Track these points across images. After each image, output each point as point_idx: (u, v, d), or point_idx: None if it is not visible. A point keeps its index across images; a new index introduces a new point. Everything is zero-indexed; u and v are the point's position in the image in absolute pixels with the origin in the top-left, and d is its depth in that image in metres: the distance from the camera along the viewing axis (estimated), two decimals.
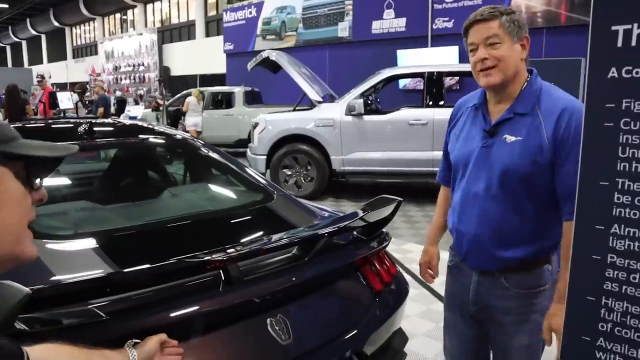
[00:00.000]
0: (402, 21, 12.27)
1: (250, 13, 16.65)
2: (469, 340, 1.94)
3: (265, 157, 7.68)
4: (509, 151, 1.65)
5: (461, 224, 1.79)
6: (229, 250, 1.57)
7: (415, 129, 6.89)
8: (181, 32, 27.26)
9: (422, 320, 3.53)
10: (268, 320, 1.63)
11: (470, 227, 1.75)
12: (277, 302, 1.68)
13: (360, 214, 1.98)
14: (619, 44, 0.99)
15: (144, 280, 1.41)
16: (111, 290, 1.38)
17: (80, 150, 3.07)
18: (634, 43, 0.98)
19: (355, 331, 1.87)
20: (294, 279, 1.73)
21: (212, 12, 24.86)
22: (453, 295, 1.95)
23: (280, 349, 1.62)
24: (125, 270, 1.41)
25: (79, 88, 12.32)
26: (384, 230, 2.19)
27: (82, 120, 2.77)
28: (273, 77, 8.98)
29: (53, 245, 1.70)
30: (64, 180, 2.71)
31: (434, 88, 7.09)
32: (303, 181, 7.54)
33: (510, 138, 1.66)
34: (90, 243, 1.74)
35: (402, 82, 11.64)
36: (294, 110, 8.16)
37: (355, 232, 2.10)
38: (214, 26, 24.35)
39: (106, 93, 11.69)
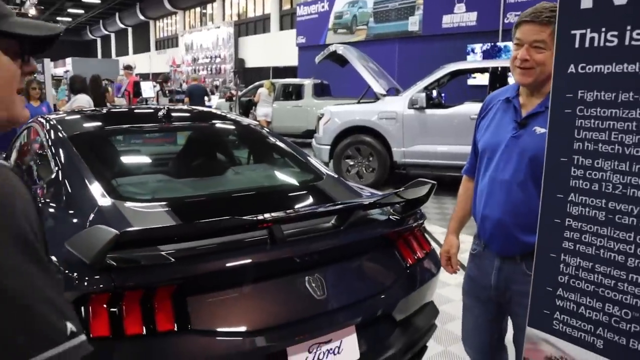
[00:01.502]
0: (473, 15, 12.18)
1: (323, 7, 16.98)
2: (484, 323, 2.10)
3: (329, 147, 7.99)
4: (537, 142, 1.73)
5: (486, 208, 1.92)
6: (274, 214, 1.87)
7: None
8: (256, 25, 28.07)
9: None
10: (306, 278, 1.92)
11: (495, 212, 1.88)
12: (315, 262, 1.97)
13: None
14: (577, 45, 1.19)
15: (204, 232, 1.74)
16: (178, 239, 1.72)
17: (159, 131, 3.48)
18: (587, 45, 1.18)
19: (384, 296, 2.12)
20: (330, 244, 2.01)
21: (286, 6, 25.46)
22: (472, 280, 2.09)
23: (315, 302, 1.90)
24: (189, 223, 1.75)
25: (161, 78, 13.16)
26: (418, 210, 2.43)
27: (161, 107, 3.18)
28: (342, 70, 9.25)
29: (135, 206, 2.07)
30: (147, 158, 3.15)
31: (497, 83, 7.12)
32: (365, 171, 7.78)
33: (539, 130, 1.77)
34: (163, 206, 2.10)
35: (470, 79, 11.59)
36: (359, 102, 8.40)
37: (392, 210, 2.35)
38: (287, 20, 24.93)
39: (199, 83, 12.48)
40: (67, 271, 1.66)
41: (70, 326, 0.71)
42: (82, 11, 39.47)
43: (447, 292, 4.00)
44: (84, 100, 7.15)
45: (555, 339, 1.30)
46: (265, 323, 1.81)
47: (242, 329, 1.75)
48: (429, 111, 7.29)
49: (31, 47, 0.94)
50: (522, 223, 1.81)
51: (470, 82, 11.51)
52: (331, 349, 1.95)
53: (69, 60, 26.04)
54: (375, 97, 7.98)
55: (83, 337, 0.73)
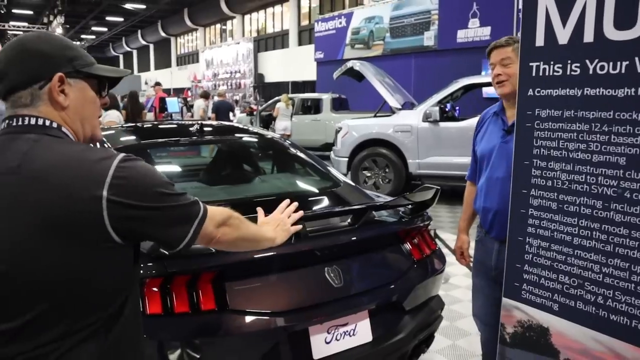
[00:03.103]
0: (487, 30, 12.46)
1: (340, 23, 17.40)
2: (492, 301, 2.35)
3: (347, 159, 8.33)
4: None
5: (486, 202, 2.30)
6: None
7: None
8: (275, 41, 28.67)
9: None
10: (325, 268, 2.23)
11: (493, 204, 2.25)
12: (333, 255, 2.28)
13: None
14: (533, 74, 1.52)
15: None
16: None
17: (192, 144, 3.87)
18: (541, 74, 1.51)
19: (393, 286, 2.42)
20: (345, 240, 2.33)
21: (304, 22, 26.02)
22: (479, 262, 2.44)
23: (333, 289, 2.21)
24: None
25: (202, 94, 13.66)
26: (426, 212, 2.73)
27: (194, 122, 3.54)
28: (360, 85, 9.60)
29: None
30: (183, 168, 3.52)
31: None
32: (381, 182, 8.09)
33: None
34: None
35: (485, 91, 11.84)
36: (375, 116, 8.73)
37: (401, 212, 2.66)
38: (306, 35, 25.45)
39: (224, 99, 12.94)
40: None
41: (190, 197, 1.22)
42: (105, 29, 40.66)
43: (457, 293, 4.28)
44: (114, 116, 7.57)
45: (524, 305, 1.62)
46: (290, 306, 2.12)
47: (271, 310, 2.07)
48: (442, 124, 7.57)
49: (107, 85, 1.29)
50: None
51: (487, 91, 11.75)
52: (347, 331, 2.25)
53: None
54: (391, 111, 8.30)
55: (197, 200, 1.24)
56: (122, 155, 1.13)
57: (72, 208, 1.04)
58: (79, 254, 1.06)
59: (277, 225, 1.65)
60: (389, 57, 15.27)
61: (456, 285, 4.43)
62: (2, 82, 1.15)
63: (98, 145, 1.60)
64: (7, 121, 1.15)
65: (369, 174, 8.19)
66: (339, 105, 13.70)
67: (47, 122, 1.14)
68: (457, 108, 8.87)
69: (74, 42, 1.27)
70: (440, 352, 3.36)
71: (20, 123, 1.13)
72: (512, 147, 2.11)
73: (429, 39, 14.15)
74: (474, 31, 12.75)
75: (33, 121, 1.13)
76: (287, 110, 13.04)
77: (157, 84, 12.14)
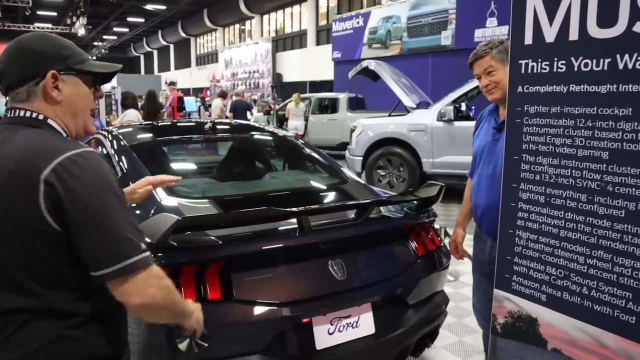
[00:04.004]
0: (504, 29, 12.38)
1: (358, 23, 17.44)
2: (488, 295, 2.43)
3: (361, 158, 8.37)
4: None
5: (477, 198, 2.37)
6: (301, 208, 2.27)
7: None
8: (294, 40, 28.77)
9: None
10: (329, 261, 2.30)
11: (482, 200, 2.32)
12: (336, 249, 2.35)
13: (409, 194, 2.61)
14: (522, 71, 1.57)
15: (246, 220, 2.15)
16: (225, 225, 2.13)
17: (205, 141, 3.99)
18: (529, 71, 1.56)
19: (396, 280, 2.48)
20: (349, 234, 2.39)
21: (322, 22, 26.07)
22: (476, 258, 2.49)
23: (336, 282, 2.28)
24: (231, 212, 2.17)
25: (220, 94, 13.84)
26: (430, 209, 2.78)
27: (207, 121, 3.64)
28: (377, 84, 9.61)
29: (188, 202, 2.50)
30: (197, 165, 3.62)
31: None
32: (395, 181, 8.12)
33: None
34: (211, 202, 2.53)
35: None
36: (390, 115, 8.76)
37: (405, 208, 2.72)
38: (324, 35, 25.51)
39: (241, 98, 13.09)
40: None
41: (142, 244, 1.20)
42: (126, 30, 41.20)
43: (466, 291, 4.30)
44: (133, 115, 7.73)
45: (514, 297, 1.67)
46: (294, 296, 2.20)
47: (276, 300, 2.14)
48: (457, 123, 7.57)
49: (100, 79, 1.39)
50: None
51: None
52: (350, 323, 2.31)
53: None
54: (406, 110, 8.33)
55: (148, 253, 1.21)
56: (76, 152, 1.18)
57: (14, 192, 1.14)
58: (20, 236, 1.15)
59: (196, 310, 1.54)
60: (406, 56, 15.26)
61: (465, 283, 4.46)
62: (2, 80, 1.28)
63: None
64: (5, 113, 1.29)
65: (383, 173, 8.23)
66: (356, 105, 13.74)
67: (34, 115, 1.25)
68: (472, 108, 8.86)
69: (68, 41, 1.35)
70: (447, 348, 3.40)
71: (14, 115, 1.26)
72: (501, 145, 2.17)
73: (446, 38, 14.11)
74: (492, 30, 12.68)
75: (22, 113, 1.25)
76: (298, 110, 13.10)
77: (171, 83, 12.29)
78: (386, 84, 8.55)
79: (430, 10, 14.60)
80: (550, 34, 1.49)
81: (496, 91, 2.21)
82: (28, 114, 1.25)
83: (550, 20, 1.48)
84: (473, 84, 7.85)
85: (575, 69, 1.44)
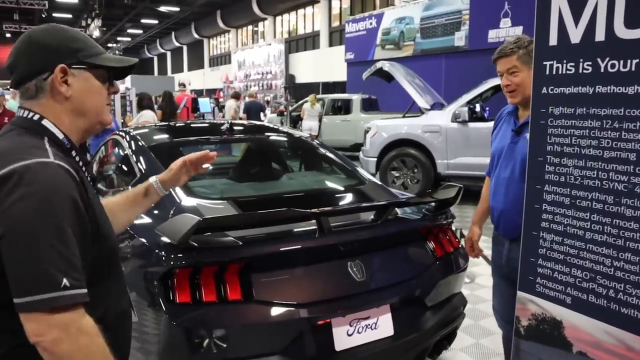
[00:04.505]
0: (518, 30, 12.30)
1: (371, 24, 17.41)
2: (509, 298, 2.40)
3: (375, 159, 8.36)
4: (527, 146, 2.07)
5: (494, 200, 2.35)
6: (321, 209, 2.27)
7: None
8: (306, 42, 28.81)
9: None
10: (348, 263, 2.30)
11: (499, 203, 2.30)
12: (355, 250, 2.34)
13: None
14: (547, 72, 1.56)
15: (266, 221, 2.16)
16: (245, 226, 2.14)
17: (222, 142, 4.00)
18: (554, 72, 1.55)
19: (414, 282, 2.47)
20: (368, 235, 2.39)
21: (335, 23, 26.08)
22: (494, 261, 2.47)
23: (355, 284, 2.28)
24: (251, 212, 2.18)
25: (233, 95, 13.92)
26: (448, 210, 2.77)
27: (224, 122, 3.65)
28: (390, 85, 9.60)
29: (207, 203, 2.52)
30: (214, 166, 3.65)
31: None
32: (410, 183, 8.09)
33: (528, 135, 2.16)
34: (229, 202, 2.54)
35: None
36: (404, 116, 8.74)
37: (424, 210, 2.71)
38: (337, 36, 25.51)
39: (254, 100, 13.17)
40: (157, 251, 2.10)
41: (65, 281, 1.01)
42: (140, 31, 41.51)
43: (482, 293, 4.28)
44: (149, 116, 7.79)
45: (538, 299, 1.66)
46: (314, 298, 2.20)
47: (295, 301, 2.14)
48: (471, 124, 7.54)
49: (115, 74, 1.31)
50: (519, 211, 2.10)
51: None
52: (369, 325, 2.31)
53: (128, 78, 27.44)
54: (420, 112, 8.30)
55: (72, 293, 1.01)
56: (25, 164, 1.06)
57: None
58: None
59: None
60: (420, 57, 15.21)
61: (481, 285, 4.44)
62: (13, 74, 1.21)
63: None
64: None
65: (397, 174, 8.21)
66: (369, 106, 13.73)
67: (30, 115, 1.19)
68: (487, 109, 8.81)
69: (82, 33, 1.27)
70: (464, 350, 3.38)
71: (19, 115, 1.21)
72: (520, 148, 2.16)
73: (459, 39, 14.04)
74: (506, 31, 12.60)
75: (21, 113, 1.21)
76: (313, 111, 13.12)
77: (182, 85, 12.36)
78: (400, 85, 8.53)
79: (443, 11, 14.53)
80: (575, 34, 1.49)
81: (516, 95, 2.17)
82: (25, 113, 1.19)
83: (576, 21, 1.47)
84: (487, 85, 7.82)
85: (602, 70, 1.43)
